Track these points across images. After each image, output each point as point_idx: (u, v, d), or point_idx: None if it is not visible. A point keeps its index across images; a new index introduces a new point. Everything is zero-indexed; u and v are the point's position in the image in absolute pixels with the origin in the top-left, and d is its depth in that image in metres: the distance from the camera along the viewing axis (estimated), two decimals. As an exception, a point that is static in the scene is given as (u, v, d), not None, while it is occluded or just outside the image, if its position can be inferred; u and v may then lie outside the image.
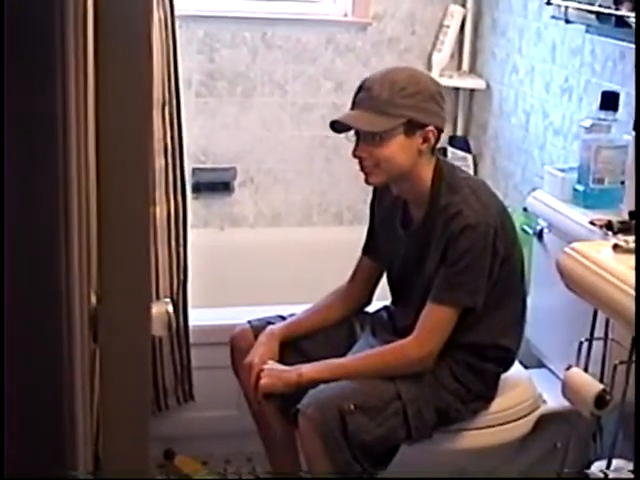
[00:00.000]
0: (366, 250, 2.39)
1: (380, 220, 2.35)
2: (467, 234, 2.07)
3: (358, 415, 2.06)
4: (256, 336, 2.31)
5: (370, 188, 2.34)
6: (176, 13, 2.46)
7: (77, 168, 0.89)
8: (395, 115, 2.10)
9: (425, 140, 2.13)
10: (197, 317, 2.68)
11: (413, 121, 2.11)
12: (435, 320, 2.12)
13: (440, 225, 2.12)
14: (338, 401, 2.07)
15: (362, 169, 2.18)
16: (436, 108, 2.14)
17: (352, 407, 2.06)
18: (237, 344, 2.36)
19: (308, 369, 2.16)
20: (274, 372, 2.18)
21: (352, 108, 2.17)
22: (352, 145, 2.18)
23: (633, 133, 2.22)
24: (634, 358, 2.01)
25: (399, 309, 2.35)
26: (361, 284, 2.40)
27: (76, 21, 0.85)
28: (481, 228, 2.07)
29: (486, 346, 2.20)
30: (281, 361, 2.25)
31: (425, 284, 2.16)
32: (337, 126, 2.18)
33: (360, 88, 2.16)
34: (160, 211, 2.52)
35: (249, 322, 2.37)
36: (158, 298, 2.44)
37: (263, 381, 2.18)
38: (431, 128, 2.12)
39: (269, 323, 2.35)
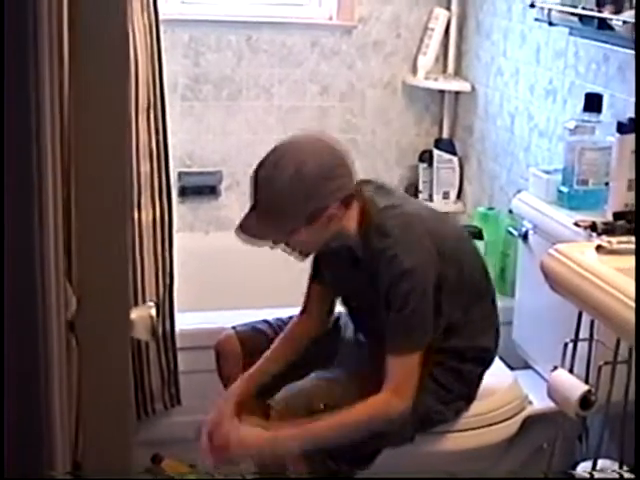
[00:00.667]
0: (315, 277, 2.31)
1: (327, 262, 2.27)
2: (406, 278, 2.01)
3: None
4: (241, 342, 2.31)
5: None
6: (161, 17, 2.46)
7: (52, 168, 0.89)
8: (285, 221, 2.02)
9: (331, 218, 2.03)
10: (183, 321, 2.67)
11: (310, 214, 2.01)
12: (404, 370, 2.06)
13: (382, 267, 2.04)
14: (308, 399, 2.07)
15: (289, 254, 2.13)
16: (330, 186, 2.01)
17: (322, 406, 2.05)
18: (222, 350, 2.34)
19: (282, 439, 2.07)
20: (245, 443, 2.11)
21: (253, 205, 2.07)
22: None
23: (617, 135, 2.23)
24: (618, 359, 2.02)
25: (357, 317, 2.32)
26: (316, 312, 2.33)
27: (50, 25, 0.85)
28: (418, 270, 2.01)
29: (464, 348, 2.18)
30: (267, 372, 2.23)
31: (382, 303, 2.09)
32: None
33: (255, 183, 2.05)
34: (146, 215, 2.52)
35: (234, 328, 2.36)
36: (144, 302, 2.44)
37: (236, 453, 2.12)
38: (332, 208, 2.02)
39: (254, 328, 2.35)
